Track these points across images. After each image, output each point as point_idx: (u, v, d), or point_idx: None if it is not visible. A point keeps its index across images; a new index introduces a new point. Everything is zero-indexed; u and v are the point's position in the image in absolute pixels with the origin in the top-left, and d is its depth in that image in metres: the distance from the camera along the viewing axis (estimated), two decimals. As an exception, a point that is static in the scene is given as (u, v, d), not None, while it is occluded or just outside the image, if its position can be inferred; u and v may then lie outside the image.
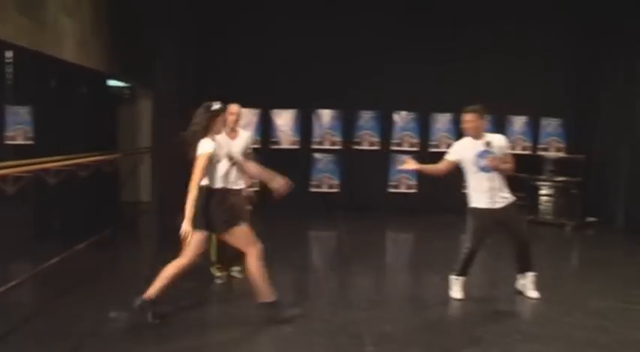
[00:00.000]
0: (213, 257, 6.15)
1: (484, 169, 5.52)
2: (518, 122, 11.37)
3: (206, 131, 4.79)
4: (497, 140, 5.66)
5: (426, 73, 11.04)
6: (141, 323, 4.83)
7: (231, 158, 5.20)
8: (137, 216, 10.36)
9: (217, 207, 4.80)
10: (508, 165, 5.63)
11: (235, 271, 6.36)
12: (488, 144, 5.52)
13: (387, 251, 8.76)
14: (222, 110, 4.98)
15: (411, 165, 5.74)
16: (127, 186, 11.17)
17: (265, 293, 4.94)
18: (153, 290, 4.82)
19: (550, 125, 11.45)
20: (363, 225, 9.86)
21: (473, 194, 5.65)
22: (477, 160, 5.55)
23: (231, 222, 4.85)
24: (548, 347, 4.57)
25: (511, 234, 5.72)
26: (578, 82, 11.33)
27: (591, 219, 10.39)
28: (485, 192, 5.55)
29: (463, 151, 5.66)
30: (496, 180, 5.51)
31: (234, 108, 6.08)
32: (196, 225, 4.66)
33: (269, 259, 5.55)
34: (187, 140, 4.79)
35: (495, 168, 5.49)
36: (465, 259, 5.73)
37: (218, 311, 5.59)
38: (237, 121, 6.14)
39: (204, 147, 4.71)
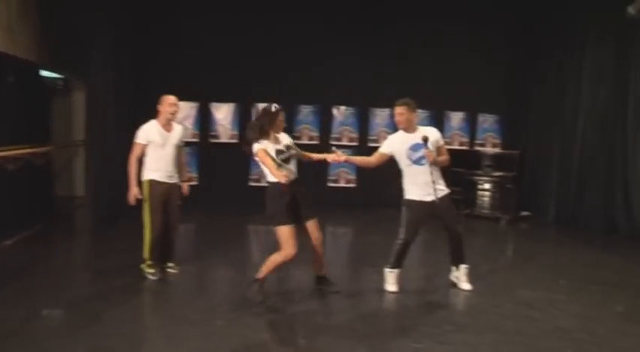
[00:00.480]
0: (146, 254, 6.04)
1: (417, 162, 5.61)
2: (456, 118, 11.60)
3: (267, 130, 5.19)
4: (432, 134, 5.73)
5: (365, 68, 11.17)
6: (73, 321, 4.71)
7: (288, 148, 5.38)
8: (72, 210, 10.08)
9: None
10: (444, 158, 5.74)
11: (170, 267, 6.29)
12: (425, 139, 5.59)
13: (325, 245, 8.71)
14: (281, 111, 5.32)
15: (338, 157, 5.67)
16: (62, 179, 10.85)
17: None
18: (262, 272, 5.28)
19: (487, 121, 11.72)
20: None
21: (407, 186, 5.73)
22: (410, 153, 5.64)
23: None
24: (479, 336, 4.67)
25: (445, 227, 5.81)
26: (514, 79, 11.66)
27: (525, 212, 10.72)
28: (419, 185, 5.62)
29: (396, 144, 5.72)
30: (430, 173, 5.56)
31: (171, 99, 5.99)
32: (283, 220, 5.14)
33: (207, 255, 5.53)
34: (249, 139, 5.19)
35: (433, 162, 5.57)
36: (398, 251, 5.78)
37: (151, 308, 5.50)
38: (175, 113, 6.04)
39: (261, 145, 5.12)
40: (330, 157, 5.67)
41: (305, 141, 11.17)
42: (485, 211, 10.50)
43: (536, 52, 11.34)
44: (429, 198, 5.60)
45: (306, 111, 11.29)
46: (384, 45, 11.21)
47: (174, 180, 6.14)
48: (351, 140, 11.42)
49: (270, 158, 5.10)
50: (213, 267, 6.75)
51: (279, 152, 5.25)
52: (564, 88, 10.57)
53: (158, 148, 5.97)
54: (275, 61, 10.86)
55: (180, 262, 6.45)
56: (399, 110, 5.67)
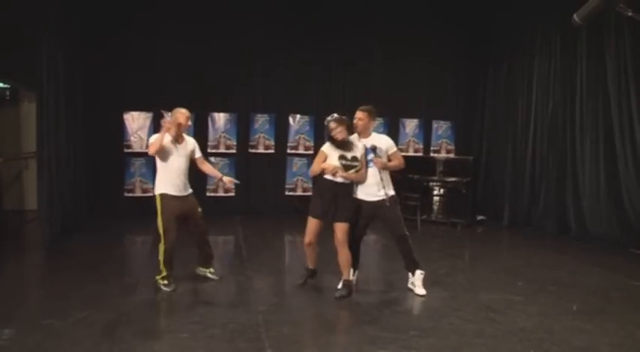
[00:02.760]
0: (161, 266, 5.96)
1: (365, 164, 5.86)
2: (411, 125, 11.77)
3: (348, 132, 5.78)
4: (383, 142, 5.97)
5: (319, 77, 11.27)
6: (27, 339, 4.57)
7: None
8: (22, 225, 9.78)
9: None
10: (395, 163, 6.00)
11: (211, 273, 6.48)
12: (373, 147, 5.85)
13: (286, 254, 8.74)
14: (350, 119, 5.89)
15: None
16: (10, 193, 10.54)
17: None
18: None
19: (441, 128, 11.92)
20: (261, 229, 9.81)
21: (354, 187, 5.95)
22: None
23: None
24: (443, 340, 4.73)
25: (388, 228, 6.03)
26: (467, 86, 11.89)
27: (480, 217, 10.95)
28: (366, 185, 5.88)
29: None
30: (379, 176, 5.81)
31: (186, 112, 6.03)
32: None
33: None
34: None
35: (382, 168, 5.83)
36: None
37: (111, 323, 5.37)
38: (187, 126, 6.08)
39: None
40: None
41: (261, 150, 11.22)
42: (441, 216, 10.65)
43: (486, 59, 11.61)
44: (374, 198, 5.85)
45: (262, 120, 11.25)
46: (338, 55, 11.33)
47: (188, 190, 6.16)
48: (307, 149, 11.45)
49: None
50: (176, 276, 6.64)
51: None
52: (515, 94, 10.87)
53: (169, 160, 5.94)
54: (231, 71, 10.82)
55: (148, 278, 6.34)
56: (359, 115, 5.91)
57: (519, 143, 10.75)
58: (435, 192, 10.73)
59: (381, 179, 5.81)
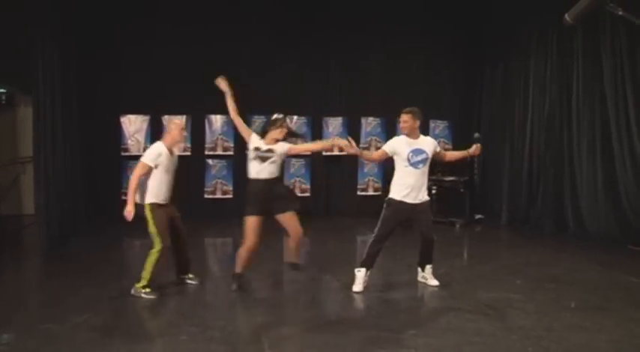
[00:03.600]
0: (146, 275, 5.86)
1: (414, 165, 5.98)
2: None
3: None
4: (429, 143, 6.14)
5: (317, 77, 11.32)
6: (27, 344, 4.57)
7: None
8: (19, 230, 9.77)
9: None
10: (457, 153, 6.55)
11: (190, 278, 6.43)
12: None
13: (284, 254, 8.68)
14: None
15: (350, 146, 5.89)
16: (8, 198, 10.53)
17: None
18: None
19: (438, 127, 11.93)
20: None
21: (394, 187, 6.07)
22: (411, 156, 5.98)
23: None
24: (441, 339, 4.73)
25: (420, 231, 6.12)
26: (464, 85, 11.93)
27: (479, 216, 11.00)
28: (407, 186, 5.98)
29: (398, 146, 6.04)
30: (422, 178, 6.01)
31: (181, 123, 6.35)
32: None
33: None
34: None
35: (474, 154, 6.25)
36: (370, 249, 6.07)
37: (110, 327, 5.37)
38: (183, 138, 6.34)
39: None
40: (341, 143, 5.95)
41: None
42: (440, 215, 10.63)
43: (483, 59, 11.64)
44: (412, 201, 5.96)
45: (259, 122, 11.07)
46: (336, 55, 11.37)
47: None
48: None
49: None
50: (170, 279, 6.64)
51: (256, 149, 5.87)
52: (512, 94, 10.90)
53: (163, 172, 5.95)
54: (228, 73, 10.68)
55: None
56: (404, 118, 6.03)
57: (517, 142, 10.77)
58: (434, 191, 10.71)
59: (422, 180, 6.02)
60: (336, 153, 10.69)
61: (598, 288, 6.33)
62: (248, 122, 10.95)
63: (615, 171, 8.81)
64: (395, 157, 6.05)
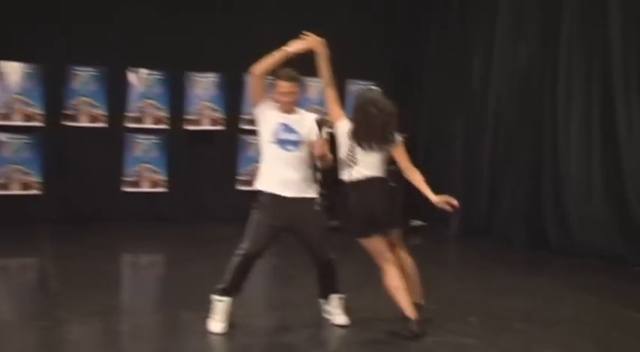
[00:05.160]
0: None
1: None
2: (316, 88, 11.48)
3: None
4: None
5: (182, 20, 11.27)
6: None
7: None
8: None
9: None
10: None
11: None
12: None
13: (121, 284, 8.65)
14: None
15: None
16: None
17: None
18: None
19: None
20: (83, 246, 9.55)
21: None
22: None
23: None
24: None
25: (307, 247, 6.30)
26: (399, 41, 12.15)
27: (418, 222, 11.10)
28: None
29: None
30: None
31: None
32: None
33: None
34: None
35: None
36: (235, 268, 6.05)
37: None
38: None
39: None
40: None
41: (84, 123, 10.95)
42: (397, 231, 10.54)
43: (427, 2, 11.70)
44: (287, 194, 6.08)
45: (85, 77, 10.94)
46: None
47: None
48: (157, 121, 11.24)
49: None
50: None
51: None
52: (469, 48, 10.93)
53: None
54: (47, 11, 10.66)
55: None
56: (288, 87, 6.09)
57: (475, 117, 10.86)
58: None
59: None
60: (205, 127, 10.92)
61: (590, 330, 6.34)
62: (68, 77, 10.70)
63: (620, 158, 8.91)
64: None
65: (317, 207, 6.13)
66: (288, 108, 6.05)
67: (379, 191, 6.23)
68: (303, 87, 6.24)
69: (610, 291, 7.62)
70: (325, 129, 6.11)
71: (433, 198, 6.30)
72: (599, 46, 9.14)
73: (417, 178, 6.46)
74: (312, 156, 6.12)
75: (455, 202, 6.29)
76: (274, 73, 6.07)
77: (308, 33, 6.23)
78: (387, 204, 6.29)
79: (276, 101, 6.06)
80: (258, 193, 6.14)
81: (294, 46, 6.10)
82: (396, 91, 11.80)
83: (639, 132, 8.67)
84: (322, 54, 6.20)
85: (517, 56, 10.16)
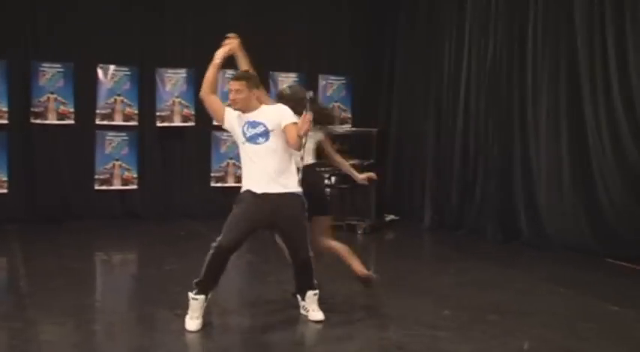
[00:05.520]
0: None
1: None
2: (285, 83, 11.49)
3: None
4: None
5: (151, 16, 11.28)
6: None
7: None
8: None
9: None
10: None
11: None
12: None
13: (94, 283, 8.53)
14: None
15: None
16: None
17: None
18: None
19: (331, 86, 11.93)
20: (54, 245, 9.53)
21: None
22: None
23: None
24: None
25: (287, 245, 6.29)
26: (370, 31, 12.12)
27: (391, 216, 11.12)
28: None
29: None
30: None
31: None
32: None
33: None
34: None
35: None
36: (210, 262, 6.00)
37: None
38: None
39: None
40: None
41: (50, 121, 10.88)
42: (335, 216, 10.48)
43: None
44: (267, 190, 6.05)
45: (52, 73, 10.85)
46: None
47: None
48: (127, 118, 11.18)
49: None
50: None
51: None
52: (438, 45, 10.96)
53: None
54: (12, 6, 10.59)
55: None
56: (235, 86, 6.11)
57: (446, 109, 10.91)
58: (325, 182, 10.54)
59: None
60: (176, 123, 10.85)
61: (563, 321, 6.36)
62: (35, 73, 10.67)
63: (588, 149, 8.95)
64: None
65: (302, 200, 6.08)
66: (244, 106, 6.08)
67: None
68: (252, 84, 6.13)
69: (582, 283, 7.66)
70: (312, 106, 6.03)
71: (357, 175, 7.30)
72: (566, 46, 9.20)
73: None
74: (287, 145, 6.05)
75: (374, 175, 7.26)
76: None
77: (231, 34, 6.40)
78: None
79: (230, 102, 6.14)
80: (241, 192, 6.15)
81: (219, 55, 6.25)
82: (367, 87, 11.97)
83: (606, 128, 8.67)
84: (240, 55, 6.42)
85: (487, 49, 10.19)
